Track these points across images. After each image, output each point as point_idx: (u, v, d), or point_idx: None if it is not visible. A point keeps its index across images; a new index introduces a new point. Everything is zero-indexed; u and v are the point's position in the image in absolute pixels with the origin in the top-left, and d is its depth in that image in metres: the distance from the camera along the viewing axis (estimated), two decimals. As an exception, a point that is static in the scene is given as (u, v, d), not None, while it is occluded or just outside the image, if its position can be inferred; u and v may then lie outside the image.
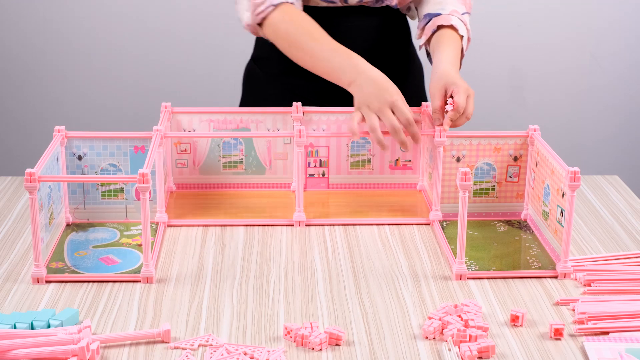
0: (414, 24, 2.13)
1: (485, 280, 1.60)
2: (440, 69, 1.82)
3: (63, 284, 1.57)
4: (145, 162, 1.61)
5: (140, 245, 1.69)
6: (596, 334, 1.42)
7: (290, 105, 1.92)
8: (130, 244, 1.71)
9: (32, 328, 1.39)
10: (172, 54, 3.34)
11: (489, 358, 1.36)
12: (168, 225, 1.80)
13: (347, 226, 1.81)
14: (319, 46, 1.84)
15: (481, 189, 1.85)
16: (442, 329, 1.42)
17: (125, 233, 1.75)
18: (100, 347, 1.36)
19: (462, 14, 1.95)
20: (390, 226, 1.81)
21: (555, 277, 1.61)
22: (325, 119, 1.93)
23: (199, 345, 1.38)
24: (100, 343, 1.37)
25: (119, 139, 1.78)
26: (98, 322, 1.45)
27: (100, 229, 1.77)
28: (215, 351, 1.36)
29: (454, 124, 1.78)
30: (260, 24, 1.92)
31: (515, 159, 1.83)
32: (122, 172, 1.80)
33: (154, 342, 1.39)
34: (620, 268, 1.62)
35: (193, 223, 1.80)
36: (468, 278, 1.60)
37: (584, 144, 3.54)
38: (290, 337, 1.40)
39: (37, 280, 1.57)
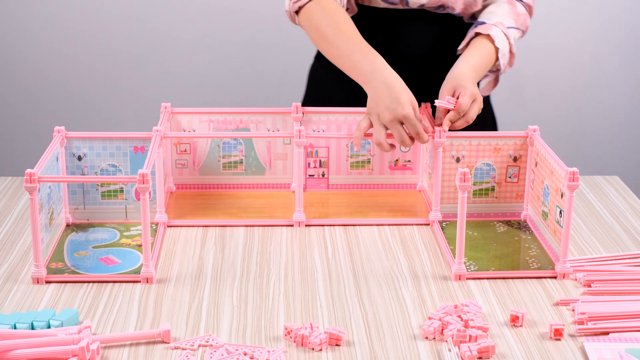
0: None
1: (485, 280, 1.60)
2: (455, 71, 1.82)
3: (63, 284, 1.57)
4: (145, 162, 1.61)
5: (140, 245, 1.70)
6: (596, 334, 1.42)
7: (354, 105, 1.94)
8: (130, 244, 1.71)
9: (32, 328, 1.39)
10: (172, 55, 3.34)
11: (489, 358, 1.36)
12: (168, 226, 1.80)
13: (347, 226, 1.81)
14: (344, 41, 1.82)
15: (481, 190, 1.85)
16: (442, 329, 1.42)
17: (125, 233, 1.75)
18: (101, 348, 1.36)
19: (508, 27, 1.91)
20: (390, 226, 1.81)
21: (554, 277, 1.61)
22: (325, 120, 1.94)
23: (199, 346, 1.38)
24: (101, 343, 1.37)
25: (118, 139, 1.78)
26: (98, 323, 1.45)
27: (100, 230, 1.77)
28: (215, 351, 1.36)
29: (453, 126, 1.78)
30: (297, 12, 1.92)
31: (515, 159, 1.83)
32: (122, 173, 1.80)
33: (154, 343, 1.39)
34: (620, 268, 1.62)
35: (193, 223, 1.80)
36: (467, 278, 1.60)
37: (583, 144, 3.54)
38: (290, 337, 1.40)
39: (37, 281, 1.57)
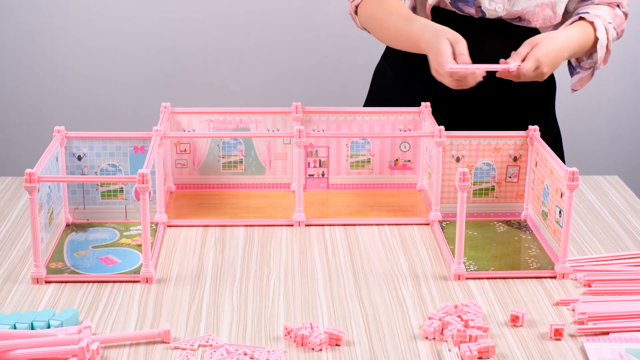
0: None
1: (485, 280, 1.60)
2: (540, 36, 1.82)
3: (63, 284, 1.57)
4: (144, 162, 1.61)
5: (140, 245, 1.69)
6: (596, 334, 1.42)
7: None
8: (130, 244, 1.71)
9: (32, 328, 1.39)
10: (172, 54, 3.34)
11: (489, 358, 1.36)
12: (168, 226, 1.80)
13: (347, 226, 1.81)
14: (394, 20, 1.86)
15: (481, 189, 1.85)
16: (442, 329, 1.42)
17: (125, 233, 1.75)
18: (100, 348, 1.36)
19: (609, 22, 1.93)
20: (390, 226, 1.81)
21: (554, 277, 1.61)
22: (325, 119, 1.93)
23: (199, 346, 1.38)
24: (100, 343, 1.37)
25: (118, 139, 1.78)
26: (98, 323, 1.45)
27: (100, 229, 1.77)
28: (215, 351, 1.36)
29: (507, 75, 1.80)
30: (356, 13, 1.97)
31: (515, 159, 1.83)
32: (121, 173, 1.80)
33: (154, 343, 1.39)
34: (620, 268, 1.62)
35: (193, 223, 1.80)
36: (467, 278, 1.60)
37: (584, 144, 3.54)
38: (290, 337, 1.40)
39: (37, 281, 1.57)
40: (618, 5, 1.98)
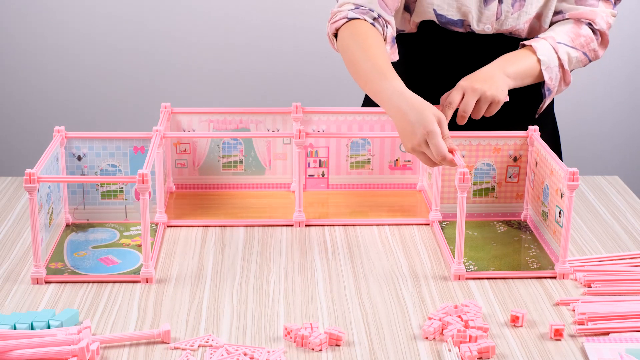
0: None
1: (485, 280, 1.60)
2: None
3: (63, 284, 1.57)
4: (144, 162, 1.61)
5: (139, 245, 1.69)
6: (596, 335, 1.42)
7: None
8: (129, 244, 1.71)
9: (32, 328, 1.39)
10: (172, 54, 3.34)
11: (489, 358, 1.36)
12: (168, 226, 1.80)
13: (347, 226, 1.81)
14: (369, 66, 1.72)
15: (481, 190, 1.85)
16: (442, 330, 1.42)
17: (125, 233, 1.75)
18: (100, 348, 1.36)
19: (559, 42, 1.84)
20: (390, 226, 1.81)
21: (554, 277, 1.61)
22: (325, 119, 1.93)
23: (199, 346, 1.38)
24: (100, 343, 1.37)
25: (118, 139, 1.78)
26: (98, 323, 1.45)
27: (100, 230, 1.77)
28: (215, 351, 1.36)
29: (459, 121, 1.74)
30: (335, 36, 1.84)
31: (515, 159, 1.83)
32: (121, 173, 1.80)
33: (154, 343, 1.39)
34: (620, 268, 1.62)
35: (193, 223, 1.80)
36: (467, 278, 1.60)
37: (584, 144, 3.54)
38: (290, 337, 1.40)
39: (37, 281, 1.56)
40: (590, 23, 1.88)
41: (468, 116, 1.74)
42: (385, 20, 1.82)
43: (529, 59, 1.83)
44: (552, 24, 1.92)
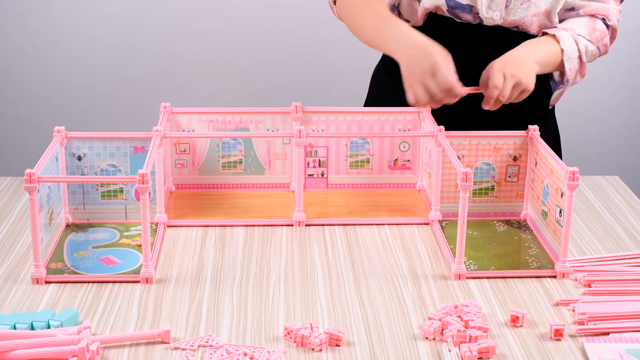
0: None
1: (485, 280, 1.60)
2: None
3: (63, 284, 1.57)
4: (144, 162, 1.60)
5: (139, 245, 1.69)
6: (596, 335, 1.42)
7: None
8: (130, 244, 1.71)
9: (32, 329, 1.39)
10: (171, 54, 3.34)
11: (489, 359, 1.36)
12: (168, 226, 1.80)
13: (346, 226, 1.81)
14: (372, 17, 1.80)
15: (480, 189, 1.85)
16: (442, 330, 1.42)
17: (125, 233, 1.75)
18: (100, 348, 1.36)
19: (578, 34, 1.87)
20: (390, 226, 1.81)
21: (554, 276, 1.61)
22: (324, 119, 1.93)
23: (199, 346, 1.38)
24: (100, 344, 1.37)
25: (118, 139, 1.78)
26: (98, 323, 1.45)
27: (100, 230, 1.77)
28: (215, 352, 1.36)
29: (491, 105, 1.75)
30: (335, 2, 1.92)
31: (515, 158, 1.83)
32: (121, 173, 1.80)
33: (154, 343, 1.39)
34: (620, 268, 1.62)
35: (193, 223, 1.80)
36: (467, 278, 1.60)
37: (584, 144, 3.54)
38: (290, 337, 1.40)
39: (37, 281, 1.56)
40: (604, 19, 1.91)
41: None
42: None
43: (553, 47, 1.84)
44: (563, 20, 1.93)
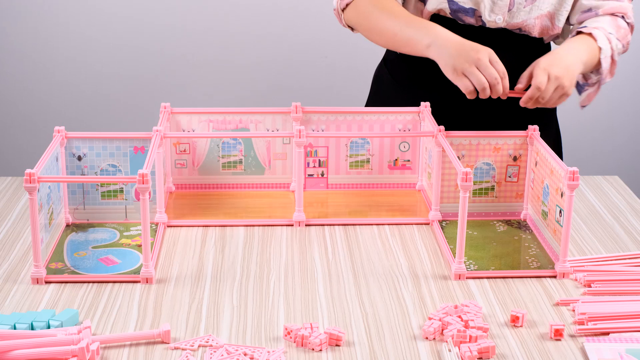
0: None
1: (485, 280, 1.60)
2: (549, 52, 1.77)
3: (63, 284, 1.57)
4: (144, 162, 1.61)
5: (140, 245, 1.69)
6: (596, 335, 1.42)
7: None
8: (130, 244, 1.71)
9: (32, 329, 1.39)
10: (171, 54, 3.34)
11: (489, 359, 1.36)
12: (168, 226, 1.80)
13: (346, 226, 1.81)
14: (394, 21, 1.81)
15: (480, 189, 1.85)
16: (442, 330, 1.42)
17: (125, 233, 1.75)
18: (100, 348, 1.36)
19: (610, 33, 1.86)
20: (390, 226, 1.81)
21: (554, 276, 1.61)
22: (324, 119, 1.93)
23: (199, 346, 1.38)
24: (100, 344, 1.37)
25: (118, 139, 1.78)
26: (98, 323, 1.45)
27: (100, 230, 1.77)
28: (215, 352, 1.36)
29: (530, 103, 1.75)
30: (344, 10, 1.93)
31: (515, 158, 1.83)
32: (121, 173, 1.80)
33: (154, 343, 1.39)
34: (620, 268, 1.62)
35: (193, 223, 1.80)
36: (467, 278, 1.60)
37: (584, 144, 3.54)
38: (290, 337, 1.40)
39: (37, 281, 1.56)
40: (623, 16, 1.92)
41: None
42: None
43: (593, 46, 1.84)
44: (582, 22, 1.92)
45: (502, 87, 1.69)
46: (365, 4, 1.88)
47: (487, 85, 1.68)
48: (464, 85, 1.69)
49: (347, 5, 1.92)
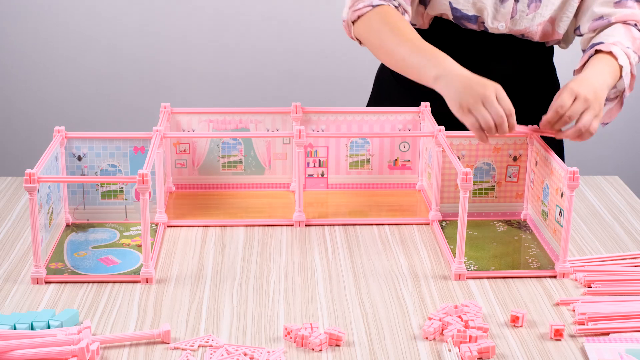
0: (562, 54, 2.08)
1: (485, 280, 1.60)
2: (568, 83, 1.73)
3: (63, 284, 1.57)
4: (144, 162, 1.60)
5: (139, 245, 1.69)
6: (596, 335, 1.42)
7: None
8: (130, 244, 1.71)
9: (32, 329, 1.39)
10: (171, 54, 3.34)
11: (489, 359, 1.36)
12: (168, 226, 1.80)
13: (346, 226, 1.81)
14: (406, 44, 1.75)
15: (480, 189, 1.85)
16: (442, 330, 1.42)
17: (125, 234, 1.75)
18: (100, 348, 1.36)
19: (627, 47, 1.82)
20: (390, 226, 1.81)
21: (554, 276, 1.61)
22: (324, 119, 1.93)
23: (199, 346, 1.38)
24: (100, 344, 1.37)
25: (118, 139, 1.78)
26: (98, 323, 1.45)
27: (100, 230, 1.77)
28: (215, 352, 1.36)
29: (563, 134, 1.71)
30: (354, 22, 1.86)
31: (515, 158, 1.83)
32: (121, 173, 1.80)
33: (154, 343, 1.39)
34: (620, 268, 1.62)
35: (193, 223, 1.80)
36: (467, 278, 1.60)
37: (584, 144, 3.54)
38: (290, 337, 1.40)
39: (37, 281, 1.56)
40: (636, 24, 1.88)
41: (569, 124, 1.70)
42: (404, 10, 1.85)
43: (615, 67, 1.79)
44: (594, 30, 1.88)
45: (508, 125, 1.63)
46: (377, 21, 1.81)
47: (492, 124, 1.62)
48: (470, 123, 1.64)
49: (358, 17, 1.85)
